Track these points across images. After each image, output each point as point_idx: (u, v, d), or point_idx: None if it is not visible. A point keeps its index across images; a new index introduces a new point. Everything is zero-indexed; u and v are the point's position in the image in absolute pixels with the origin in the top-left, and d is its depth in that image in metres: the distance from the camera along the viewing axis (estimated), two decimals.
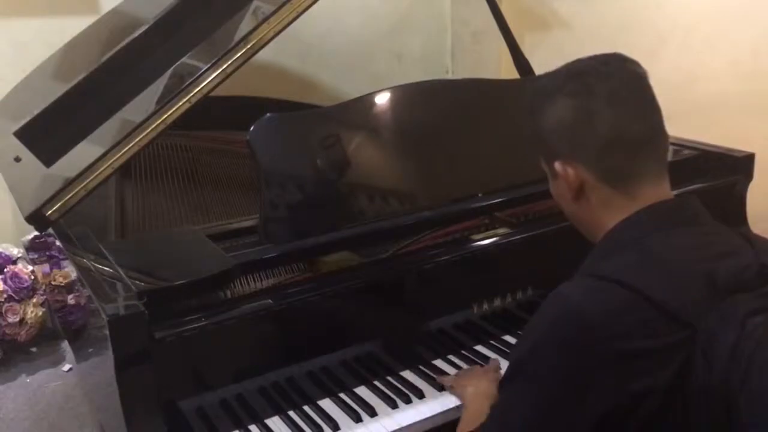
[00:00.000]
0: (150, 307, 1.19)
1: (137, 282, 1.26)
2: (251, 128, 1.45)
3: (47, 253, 1.94)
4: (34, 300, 2.01)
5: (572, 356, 0.94)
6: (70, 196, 1.40)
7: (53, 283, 1.86)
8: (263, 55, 1.58)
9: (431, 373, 1.45)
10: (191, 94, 1.46)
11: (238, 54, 1.48)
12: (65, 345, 2.02)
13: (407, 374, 1.46)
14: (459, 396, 1.36)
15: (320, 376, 1.39)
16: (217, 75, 1.47)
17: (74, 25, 2.06)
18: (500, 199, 1.60)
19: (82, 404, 1.76)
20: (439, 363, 1.49)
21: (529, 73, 2.02)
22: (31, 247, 1.97)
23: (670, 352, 0.92)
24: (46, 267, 1.92)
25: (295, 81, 2.63)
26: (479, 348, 1.54)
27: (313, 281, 1.39)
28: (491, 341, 1.56)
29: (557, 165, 1.07)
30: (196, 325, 1.24)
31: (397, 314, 1.47)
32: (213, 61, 1.47)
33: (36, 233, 1.92)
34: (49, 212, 1.39)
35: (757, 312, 0.92)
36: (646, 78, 1.07)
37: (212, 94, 1.49)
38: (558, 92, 1.06)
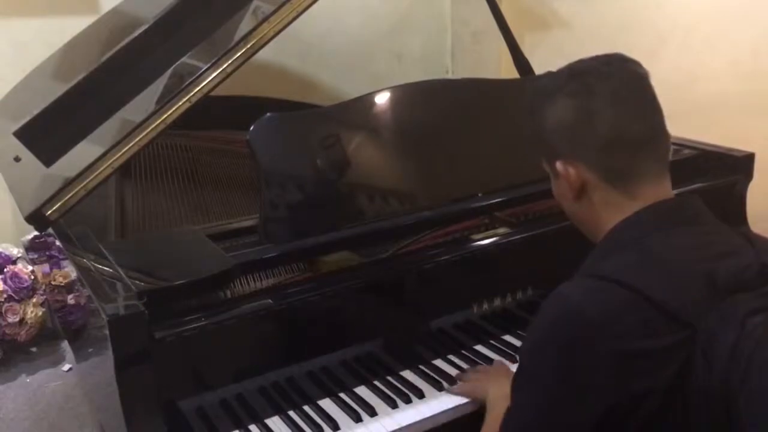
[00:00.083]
0: (150, 307, 1.19)
1: (137, 282, 1.26)
2: (251, 128, 1.45)
3: (47, 253, 1.94)
4: (34, 300, 2.01)
5: (572, 356, 0.94)
6: (69, 195, 1.40)
7: (53, 283, 1.86)
8: (263, 54, 1.58)
9: (431, 373, 1.45)
10: (191, 93, 1.46)
11: (238, 54, 1.48)
12: (65, 345, 2.02)
13: (407, 374, 1.46)
14: (477, 397, 1.35)
15: (320, 376, 1.39)
16: (217, 75, 1.47)
17: (74, 25, 2.06)
18: (500, 199, 1.60)
19: (82, 404, 1.76)
20: (439, 363, 1.49)
21: (529, 73, 2.02)
22: (31, 247, 1.97)
23: (670, 352, 0.92)
24: (46, 267, 1.92)
25: (295, 81, 2.63)
26: (479, 348, 1.54)
27: (313, 281, 1.39)
28: (491, 341, 1.56)
29: (558, 165, 1.07)
30: (196, 325, 1.24)
31: (397, 314, 1.47)
32: (213, 60, 1.47)
33: (36, 233, 1.92)
34: (49, 212, 1.39)
35: (757, 311, 0.92)
36: (647, 78, 1.07)
37: (212, 93, 1.49)
38: (559, 92, 1.06)
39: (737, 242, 1.02)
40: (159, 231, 1.64)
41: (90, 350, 1.49)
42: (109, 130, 1.53)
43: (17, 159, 1.65)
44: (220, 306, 1.29)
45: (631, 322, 0.92)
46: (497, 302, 1.56)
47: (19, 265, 2.03)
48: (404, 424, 1.33)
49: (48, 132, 1.71)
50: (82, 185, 1.41)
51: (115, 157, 1.43)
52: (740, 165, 1.80)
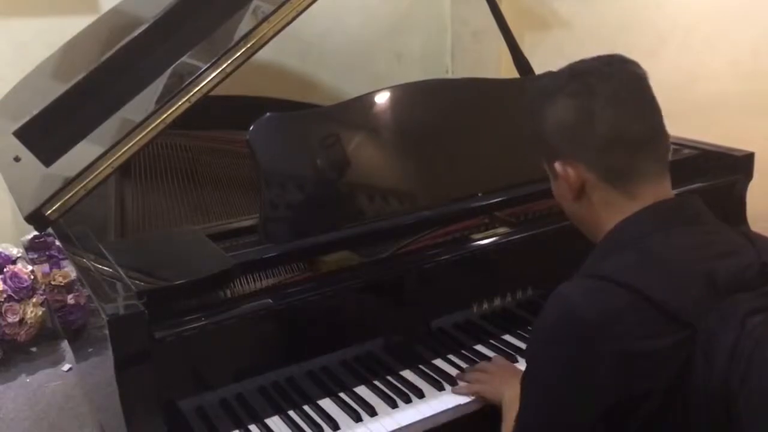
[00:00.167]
0: (150, 307, 1.19)
1: (137, 282, 1.26)
2: (251, 128, 1.45)
3: (47, 252, 1.94)
4: (34, 300, 2.01)
5: (573, 356, 0.95)
6: (69, 195, 1.40)
7: (53, 282, 1.86)
8: (263, 54, 1.58)
9: (431, 373, 1.45)
10: (191, 93, 1.46)
11: (238, 53, 1.48)
12: (65, 345, 2.02)
13: (407, 374, 1.46)
14: (489, 399, 1.35)
15: (320, 376, 1.39)
16: (216, 74, 1.47)
17: (74, 25, 2.06)
18: (500, 199, 1.60)
19: (82, 404, 1.76)
20: (439, 363, 1.49)
21: (529, 72, 2.02)
22: (31, 246, 1.97)
23: (670, 352, 0.92)
24: (45, 267, 1.92)
25: (295, 80, 2.63)
26: (479, 348, 1.54)
27: (313, 281, 1.39)
28: (491, 341, 1.56)
29: (558, 165, 1.07)
30: (196, 325, 1.24)
31: (397, 314, 1.47)
32: (213, 60, 1.47)
33: (36, 233, 1.92)
34: (49, 212, 1.39)
35: (757, 311, 0.92)
36: (646, 79, 1.07)
37: (212, 93, 1.49)
38: (559, 92, 1.07)
39: (738, 242, 1.02)
40: (159, 231, 1.64)
41: (90, 350, 1.49)
42: (108, 129, 1.53)
43: (17, 159, 1.65)
44: (220, 306, 1.29)
45: (631, 323, 0.92)
46: (497, 302, 1.56)
47: (19, 265, 2.03)
48: (404, 423, 1.33)
49: (48, 132, 1.71)
50: (81, 185, 1.41)
51: (114, 157, 1.43)
52: (740, 165, 1.80)
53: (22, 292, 1.99)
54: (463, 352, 1.52)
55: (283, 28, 1.52)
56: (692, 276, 0.95)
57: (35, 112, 1.75)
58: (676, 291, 0.94)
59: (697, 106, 2.37)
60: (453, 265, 1.50)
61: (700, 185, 1.72)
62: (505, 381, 1.33)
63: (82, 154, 1.49)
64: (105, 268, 1.33)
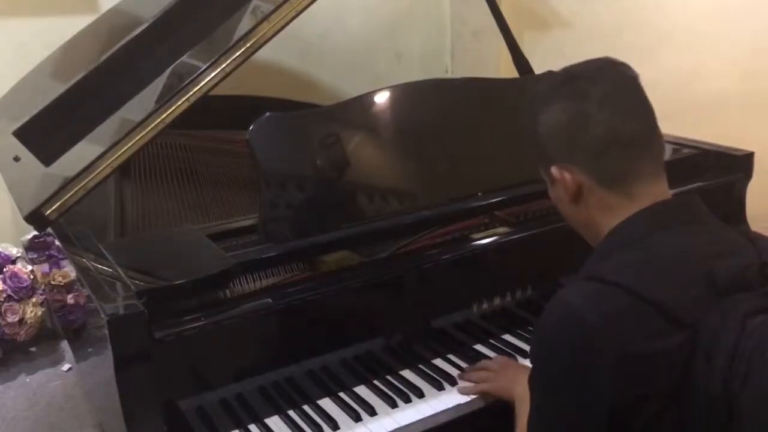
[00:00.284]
0: (149, 307, 1.19)
1: (136, 281, 1.26)
2: (251, 127, 1.45)
3: (46, 252, 1.94)
4: (34, 300, 2.01)
5: (574, 360, 0.95)
6: (69, 195, 1.40)
7: (52, 282, 1.86)
8: (263, 54, 1.58)
9: (431, 373, 1.45)
10: (190, 93, 1.46)
11: (238, 53, 1.48)
12: (65, 344, 2.01)
13: (407, 373, 1.46)
14: (498, 397, 1.35)
15: (320, 376, 1.39)
16: (216, 74, 1.47)
17: (74, 25, 2.06)
18: (500, 198, 1.60)
19: (81, 404, 1.76)
20: (438, 362, 1.49)
21: (528, 72, 2.02)
22: (31, 246, 1.97)
23: (671, 353, 0.92)
24: (45, 266, 1.92)
25: (295, 80, 2.62)
26: (479, 347, 1.54)
27: (312, 281, 1.39)
28: (491, 341, 1.56)
29: (554, 170, 1.08)
30: (195, 325, 1.24)
31: (397, 313, 1.47)
32: (212, 60, 1.47)
33: (35, 233, 1.91)
34: (49, 212, 1.39)
35: (757, 312, 0.91)
36: (637, 80, 1.08)
37: (212, 93, 1.49)
38: (552, 97, 1.07)
39: (738, 241, 1.02)
40: (159, 230, 1.64)
41: (90, 350, 1.49)
42: (108, 129, 1.53)
43: (16, 158, 1.65)
44: (220, 306, 1.29)
45: (632, 324, 0.92)
46: (497, 302, 1.56)
47: (19, 265, 2.03)
48: (404, 423, 1.33)
49: (47, 131, 1.71)
50: (81, 185, 1.40)
51: (114, 157, 1.43)
52: (740, 164, 1.80)
53: (22, 292, 1.99)
54: (463, 351, 1.52)
55: (283, 27, 1.51)
56: (692, 276, 0.95)
57: (35, 111, 1.75)
58: (676, 292, 0.94)
59: (696, 105, 2.36)
60: (453, 264, 1.50)
61: (700, 185, 1.72)
62: (512, 377, 1.33)
63: (81, 153, 1.49)
64: (105, 267, 1.33)
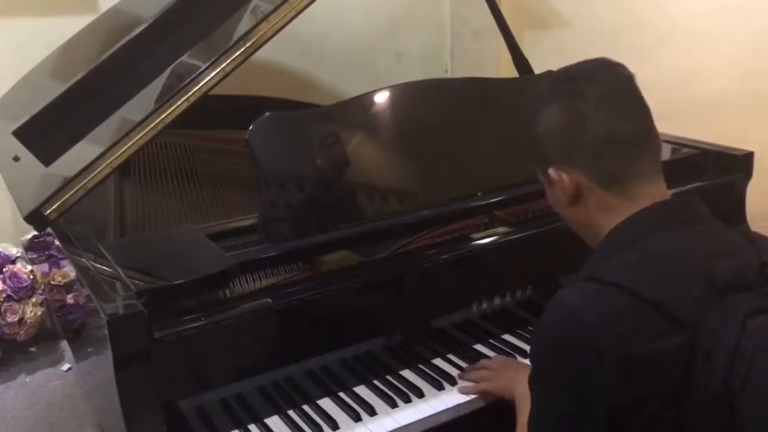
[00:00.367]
0: (149, 307, 1.19)
1: (136, 281, 1.26)
2: (250, 127, 1.45)
3: (46, 252, 1.94)
4: (33, 299, 2.01)
5: (574, 361, 0.95)
6: (69, 195, 1.40)
7: (52, 282, 1.86)
8: (262, 53, 1.57)
9: (431, 373, 1.45)
10: (190, 93, 1.46)
11: (237, 53, 1.48)
12: (64, 344, 2.01)
13: (407, 373, 1.46)
14: (499, 396, 1.35)
15: (320, 376, 1.39)
16: (216, 74, 1.47)
17: (74, 25, 2.06)
18: (499, 198, 1.60)
19: (81, 404, 1.76)
20: (438, 362, 1.49)
21: (528, 72, 2.02)
22: (30, 246, 1.97)
23: (671, 353, 0.92)
24: (45, 266, 1.92)
25: (295, 80, 2.62)
26: (479, 347, 1.54)
27: (312, 280, 1.39)
28: (491, 341, 1.56)
29: (552, 171, 1.07)
30: (195, 325, 1.24)
31: (397, 313, 1.47)
32: (212, 59, 1.47)
33: (35, 233, 1.91)
34: (48, 211, 1.39)
35: (758, 312, 0.91)
36: (633, 80, 1.08)
37: (211, 92, 1.49)
38: (548, 99, 1.07)
39: (737, 241, 1.02)
40: (158, 230, 1.64)
41: (89, 350, 1.49)
42: (108, 129, 1.53)
43: (16, 158, 1.65)
44: (220, 305, 1.29)
45: (632, 325, 0.92)
46: (497, 302, 1.56)
47: (18, 265, 2.03)
48: (404, 423, 1.33)
49: (47, 131, 1.71)
50: (81, 185, 1.40)
51: (114, 157, 1.42)
52: (739, 164, 1.80)
53: (22, 292, 1.99)
54: (463, 351, 1.52)
55: (283, 27, 1.51)
56: (692, 276, 0.95)
57: (34, 111, 1.75)
58: (676, 292, 0.94)
59: (696, 105, 2.37)
60: (453, 264, 1.50)
61: (700, 185, 1.72)
62: (512, 376, 1.33)
63: (81, 153, 1.49)
64: (104, 267, 1.33)
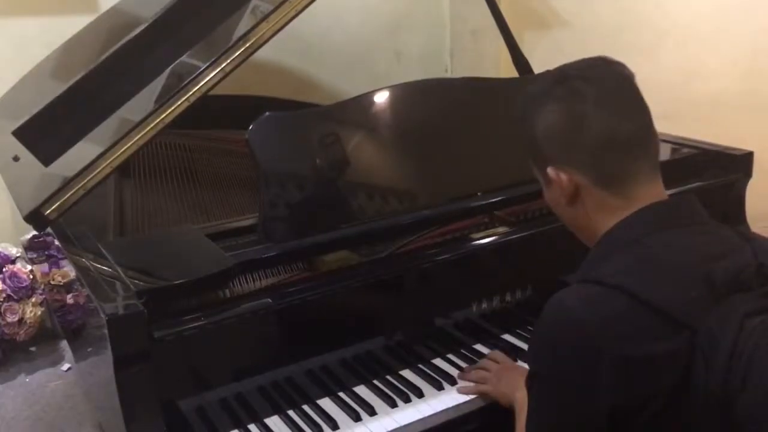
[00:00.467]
0: (149, 307, 1.19)
1: (136, 281, 1.26)
2: (250, 127, 1.45)
3: (46, 252, 1.94)
4: (33, 299, 2.01)
5: (574, 363, 0.95)
6: (68, 195, 1.40)
7: (52, 282, 1.86)
8: (262, 53, 1.58)
9: (431, 373, 1.45)
10: (190, 93, 1.46)
11: (237, 53, 1.48)
12: (64, 344, 2.02)
13: (407, 373, 1.46)
14: (498, 400, 1.35)
15: (319, 376, 1.39)
16: (216, 74, 1.47)
17: (74, 25, 2.06)
18: (499, 198, 1.60)
19: (81, 404, 1.76)
20: (438, 362, 1.49)
21: (528, 72, 2.02)
22: (30, 246, 1.97)
23: (670, 355, 0.91)
24: (44, 266, 1.92)
25: (295, 79, 2.62)
26: (479, 347, 1.54)
27: (312, 280, 1.39)
28: (491, 340, 1.56)
29: (550, 171, 1.07)
30: (195, 325, 1.24)
31: (397, 313, 1.47)
32: (212, 59, 1.47)
33: (35, 232, 1.91)
34: (48, 211, 1.39)
35: (756, 313, 0.91)
36: (632, 79, 1.07)
37: (211, 92, 1.49)
38: (547, 98, 1.06)
39: (735, 242, 1.02)
40: (158, 230, 1.64)
41: (89, 350, 1.49)
42: (107, 129, 1.53)
43: (16, 158, 1.65)
44: (220, 305, 1.29)
45: (630, 327, 0.92)
46: (497, 302, 1.56)
47: (18, 265, 2.03)
48: (403, 423, 1.33)
49: (47, 131, 1.71)
50: (81, 185, 1.40)
51: (114, 157, 1.43)
52: (739, 163, 1.80)
53: (21, 292, 1.99)
54: (462, 351, 1.52)
55: (282, 27, 1.51)
56: (692, 277, 0.94)
57: (34, 111, 1.75)
58: (676, 293, 0.93)
59: (696, 104, 2.37)
60: (453, 264, 1.50)
61: (699, 184, 1.71)
62: (511, 382, 1.33)
63: (81, 153, 1.49)
64: (104, 267, 1.33)
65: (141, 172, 1.84)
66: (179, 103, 1.45)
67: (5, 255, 2.04)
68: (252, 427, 1.33)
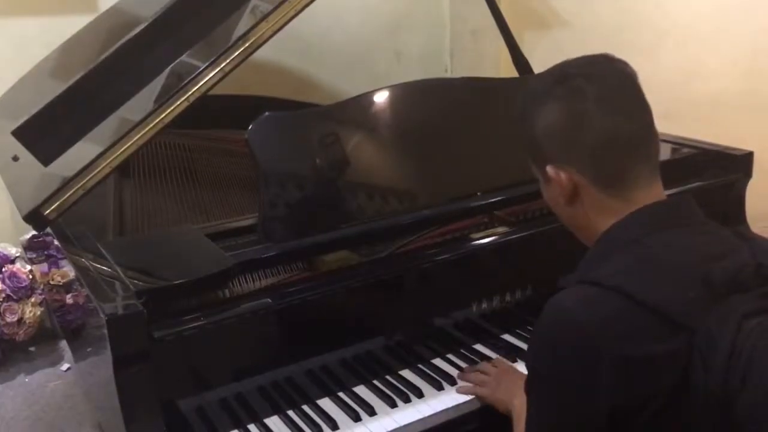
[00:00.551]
0: (149, 307, 1.19)
1: (136, 281, 1.26)
2: (250, 127, 1.45)
3: (45, 252, 1.94)
4: (33, 299, 2.01)
5: (573, 364, 0.94)
6: (68, 195, 1.40)
7: (51, 282, 1.86)
8: (262, 53, 1.57)
9: (431, 373, 1.45)
10: (190, 92, 1.46)
11: (237, 52, 1.48)
12: (64, 344, 2.01)
13: (406, 373, 1.46)
14: (495, 405, 1.35)
15: (319, 376, 1.39)
16: (215, 74, 1.47)
17: (74, 25, 2.06)
18: (499, 198, 1.60)
19: (81, 404, 1.76)
20: (438, 362, 1.49)
21: (528, 71, 2.01)
22: (30, 246, 1.97)
23: (669, 355, 0.91)
24: (44, 266, 1.92)
25: (295, 79, 2.62)
26: (479, 347, 1.54)
27: (312, 280, 1.39)
28: (491, 341, 1.56)
29: (549, 169, 1.06)
30: (195, 325, 1.24)
31: (397, 313, 1.47)
32: (211, 59, 1.47)
33: (34, 232, 1.91)
34: (48, 211, 1.39)
35: (754, 314, 0.91)
36: (634, 77, 1.06)
37: (211, 92, 1.49)
38: (547, 96, 1.05)
39: (733, 242, 1.01)
40: (158, 230, 1.64)
41: (89, 350, 1.49)
42: (107, 129, 1.53)
43: (15, 158, 1.65)
44: (219, 305, 1.29)
45: (628, 328, 0.92)
46: (497, 301, 1.56)
47: (18, 265, 2.03)
48: (403, 423, 1.33)
49: (46, 131, 1.71)
50: (80, 184, 1.40)
51: (113, 156, 1.43)
52: (739, 164, 1.80)
53: (21, 292, 1.99)
54: (462, 351, 1.52)
55: (282, 27, 1.51)
56: (691, 278, 0.94)
57: (34, 111, 1.75)
58: (675, 294, 0.93)
59: (696, 104, 2.36)
60: (452, 264, 1.50)
61: (699, 184, 1.71)
62: (510, 388, 1.33)
63: (80, 153, 1.49)
64: (104, 267, 1.33)
65: (141, 172, 1.84)
66: (179, 102, 1.45)
67: (5, 255, 2.04)
68: (252, 427, 1.33)
